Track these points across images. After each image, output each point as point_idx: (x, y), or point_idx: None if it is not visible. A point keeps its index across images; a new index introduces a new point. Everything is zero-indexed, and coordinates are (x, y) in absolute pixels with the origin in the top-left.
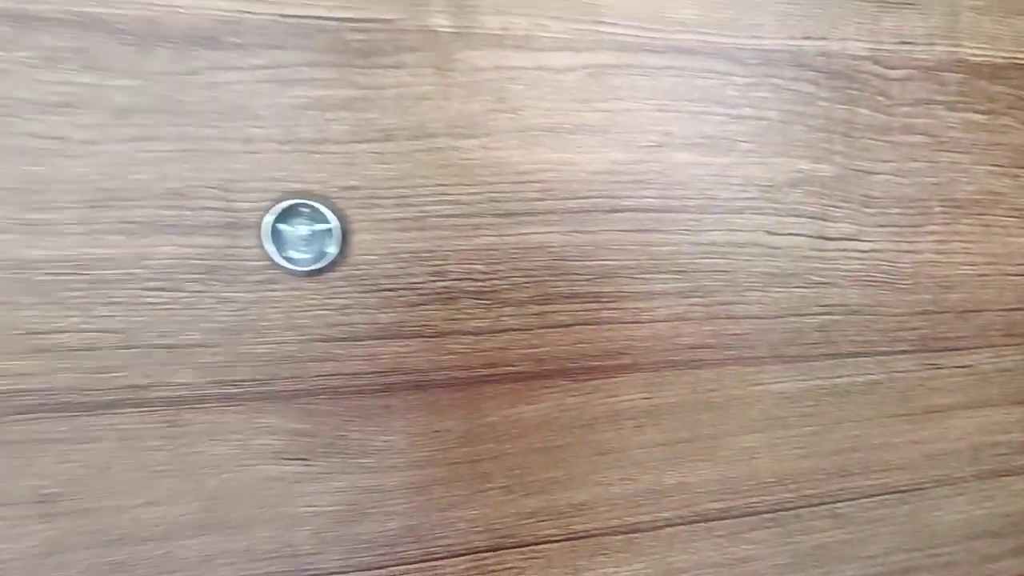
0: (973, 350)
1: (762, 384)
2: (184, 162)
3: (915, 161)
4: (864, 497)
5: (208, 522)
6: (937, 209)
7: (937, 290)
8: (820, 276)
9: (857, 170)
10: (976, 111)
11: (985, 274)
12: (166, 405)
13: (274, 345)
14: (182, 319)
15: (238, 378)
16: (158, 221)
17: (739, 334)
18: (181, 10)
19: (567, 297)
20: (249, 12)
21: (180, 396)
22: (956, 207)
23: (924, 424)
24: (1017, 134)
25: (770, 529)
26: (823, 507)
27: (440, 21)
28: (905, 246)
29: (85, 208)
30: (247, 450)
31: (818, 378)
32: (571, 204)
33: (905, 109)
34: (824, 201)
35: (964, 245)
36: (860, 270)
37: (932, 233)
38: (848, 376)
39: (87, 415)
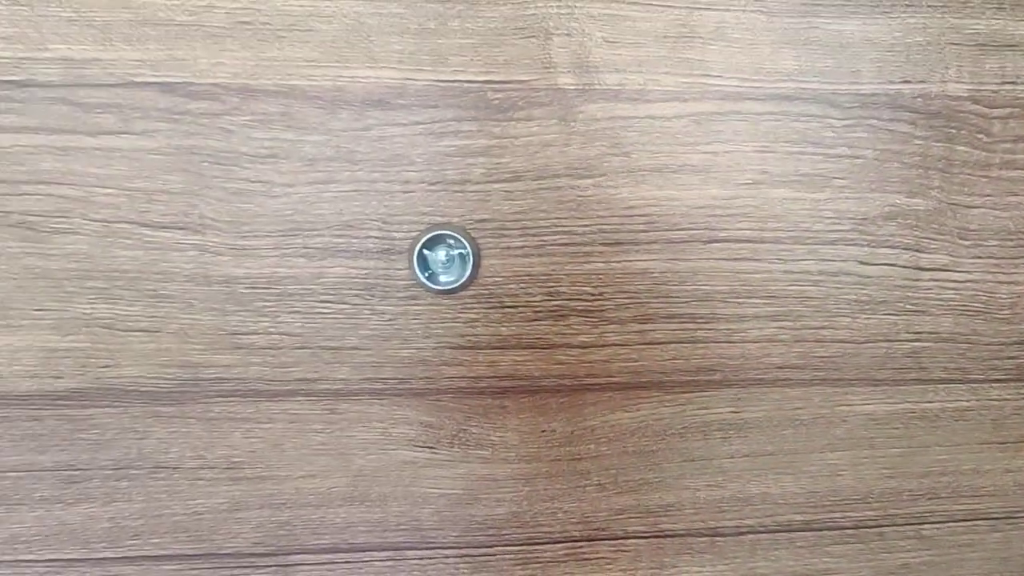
0: None
1: (849, 405)
2: (355, 200)
3: (1015, 195)
4: (952, 521)
5: (353, 495)
6: None
7: None
8: (912, 304)
9: (954, 204)
10: None
11: None
12: (328, 396)
13: (414, 350)
14: (345, 326)
15: (384, 376)
16: (332, 247)
17: (827, 357)
18: (361, 80)
19: (665, 318)
20: (412, 79)
21: (339, 389)
22: None
23: (1019, 452)
24: None
25: (852, 544)
26: (908, 527)
27: (567, 80)
28: (1003, 277)
29: (279, 236)
30: (387, 437)
31: (907, 402)
32: (672, 235)
33: (1006, 146)
34: (919, 233)
35: None
36: (954, 300)
37: None
38: (939, 401)
39: (268, 401)
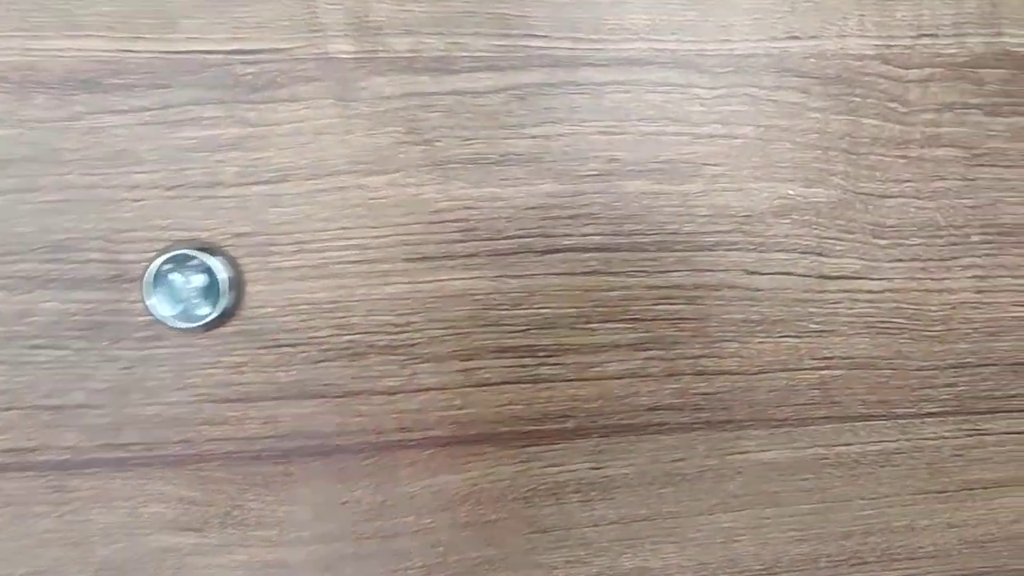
0: None
1: (743, 452)
2: (66, 212)
3: (943, 180)
4: None
5: None
6: (975, 238)
7: (979, 338)
8: (817, 323)
9: (864, 194)
10: None
11: None
12: (52, 469)
13: (163, 406)
14: (67, 378)
15: (125, 441)
16: (40, 276)
17: (711, 393)
18: (60, 54)
19: (495, 352)
20: (131, 51)
21: (66, 460)
22: (1002, 234)
23: (964, 503)
24: None
25: None
26: None
27: (341, 47)
28: (931, 284)
29: None
30: (137, 519)
31: (817, 445)
32: (498, 245)
33: (927, 117)
34: (820, 232)
35: (1015, 280)
36: (871, 315)
37: (969, 267)
38: (858, 444)
39: None
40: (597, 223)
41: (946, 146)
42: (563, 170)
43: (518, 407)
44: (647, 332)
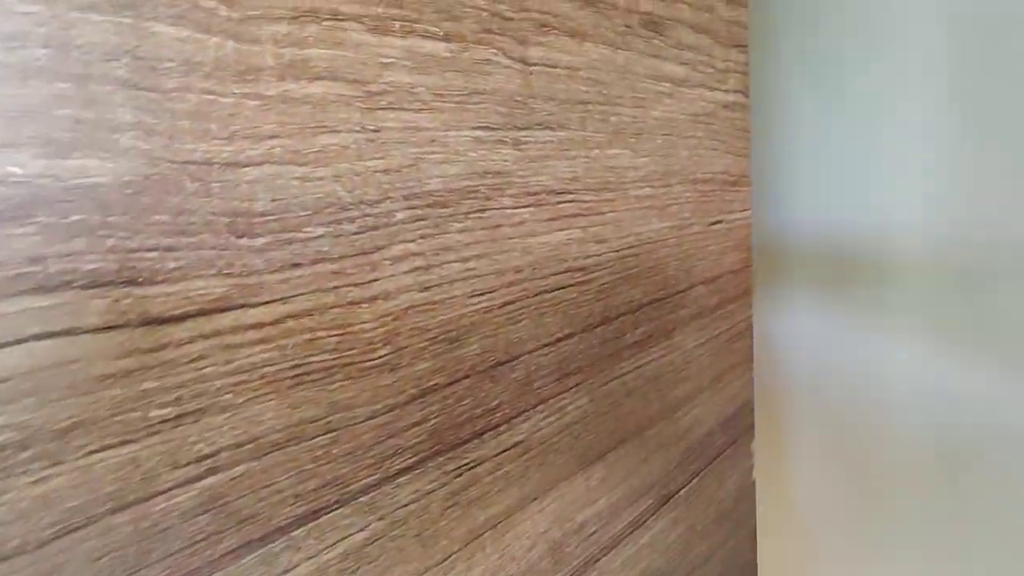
0: (519, 418)
1: None
2: None
3: (332, 132)
4: None
5: None
6: (401, 215)
7: (441, 349)
8: (198, 400)
9: (194, 162)
10: (429, 36)
11: (507, 300)
12: None
13: None
14: None
15: None
16: None
17: None
18: None
19: None
20: None
21: None
22: (435, 205)
23: (475, 557)
24: (503, 74)
25: None
26: None
27: None
28: (357, 293)
29: None
30: None
31: None
32: None
33: (278, 30)
34: (121, 241)
35: (466, 265)
36: (271, 365)
37: (405, 258)
38: (305, 559)
39: None
40: None
41: (323, 79)
42: None
43: None
44: None
